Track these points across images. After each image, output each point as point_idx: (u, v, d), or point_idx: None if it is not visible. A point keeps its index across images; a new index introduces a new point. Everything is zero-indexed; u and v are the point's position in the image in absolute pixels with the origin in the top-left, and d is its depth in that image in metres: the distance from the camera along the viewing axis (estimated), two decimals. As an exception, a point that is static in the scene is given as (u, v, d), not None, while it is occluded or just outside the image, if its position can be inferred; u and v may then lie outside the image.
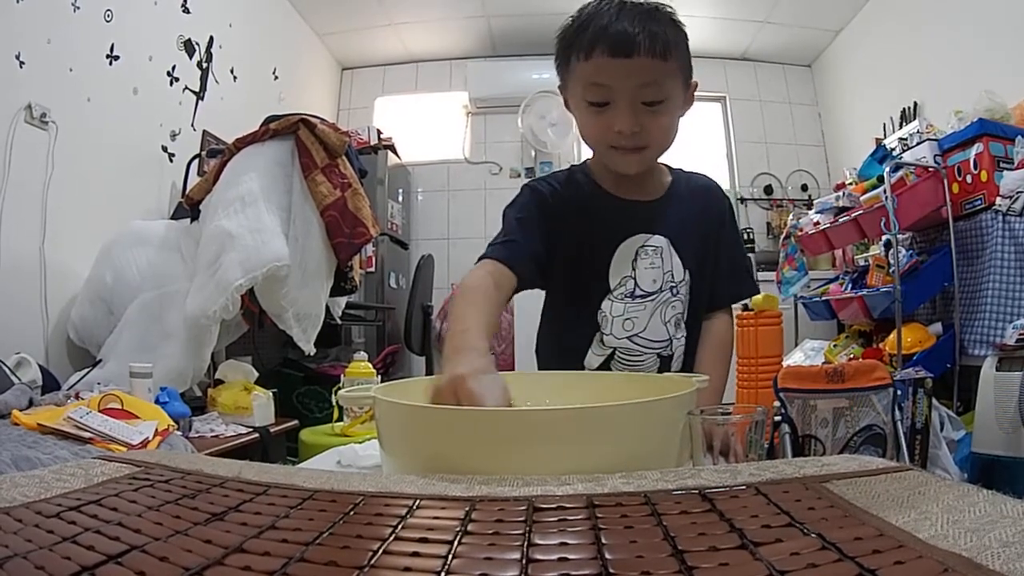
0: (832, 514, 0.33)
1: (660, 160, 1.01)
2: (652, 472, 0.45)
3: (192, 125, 2.79)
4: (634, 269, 0.99)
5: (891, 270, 2.33)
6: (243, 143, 2.04)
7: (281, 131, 2.04)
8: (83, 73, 2.15)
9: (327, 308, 2.17)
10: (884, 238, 2.40)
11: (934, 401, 1.63)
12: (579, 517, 0.35)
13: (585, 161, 1.07)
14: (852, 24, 3.87)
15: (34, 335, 1.93)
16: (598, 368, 1.00)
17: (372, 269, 3.31)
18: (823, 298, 2.91)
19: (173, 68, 2.68)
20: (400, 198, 3.99)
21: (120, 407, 1.38)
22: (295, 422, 2.09)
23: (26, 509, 0.37)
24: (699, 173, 1.11)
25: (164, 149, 2.62)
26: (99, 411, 1.32)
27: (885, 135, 3.37)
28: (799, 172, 4.30)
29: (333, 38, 4.18)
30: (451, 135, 4.42)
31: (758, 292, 1.15)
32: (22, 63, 1.91)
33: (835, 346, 2.82)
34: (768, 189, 4.28)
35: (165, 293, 1.93)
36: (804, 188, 4.27)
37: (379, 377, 2.02)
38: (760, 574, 0.26)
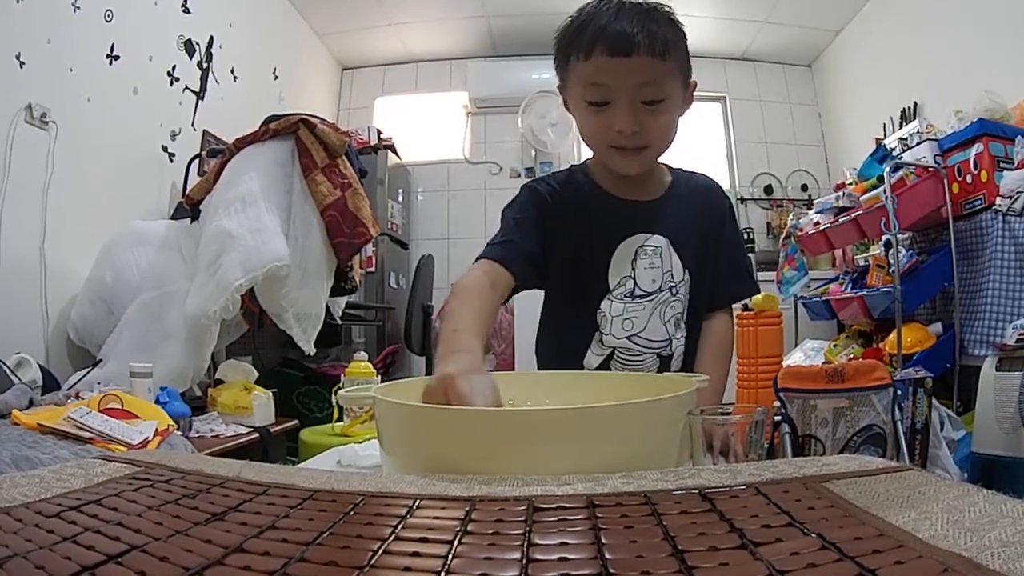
0: (832, 514, 0.33)
1: (660, 160, 1.01)
2: (652, 472, 0.45)
3: (192, 125, 2.79)
4: (633, 269, 0.99)
5: (891, 270, 2.33)
6: (243, 143, 2.04)
7: (281, 131, 2.04)
8: (83, 73, 2.15)
9: (327, 308, 2.17)
10: (884, 238, 2.40)
11: (934, 401, 1.63)
12: (579, 517, 0.35)
13: (585, 161, 1.07)
14: (852, 24, 3.87)
15: (34, 335, 1.93)
16: (597, 368, 1.00)
17: (372, 269, 3.31)
18: (823, 298, 2.91)
19: (173, 68, 2.68)
20: (400, 198, 3.99)
21: (120, 407, 1.38)
22: (295, 422, 2.09)
23: (26, 509, 0.37)
24: (699, 173, 1.11)
25: (164, 149, 2.62)
26: (99, 411, 1.32)
27: (885, 135, 3.37)
28: (799, 172, 4.30)
29: (333, 38, 4.18)
30: (451, 135, 4.42)
31: (759, 292, 1.15)
32: (22, 63, 1.91)
33: (835, 346, 2.82)
34: (768, 189, 4.28)
35: (165, 293, 1.93)
36: (804, 188, 4.27)
37: (379, 377, 2.02)
38: (760, 574, 0.26)
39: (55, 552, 0.29)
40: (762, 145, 4.34)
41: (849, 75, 4.00)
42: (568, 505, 0.37)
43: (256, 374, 2.08)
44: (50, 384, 1.74)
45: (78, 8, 2.12)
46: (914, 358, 2.20)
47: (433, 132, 4.41)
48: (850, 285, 2.84)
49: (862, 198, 2.55)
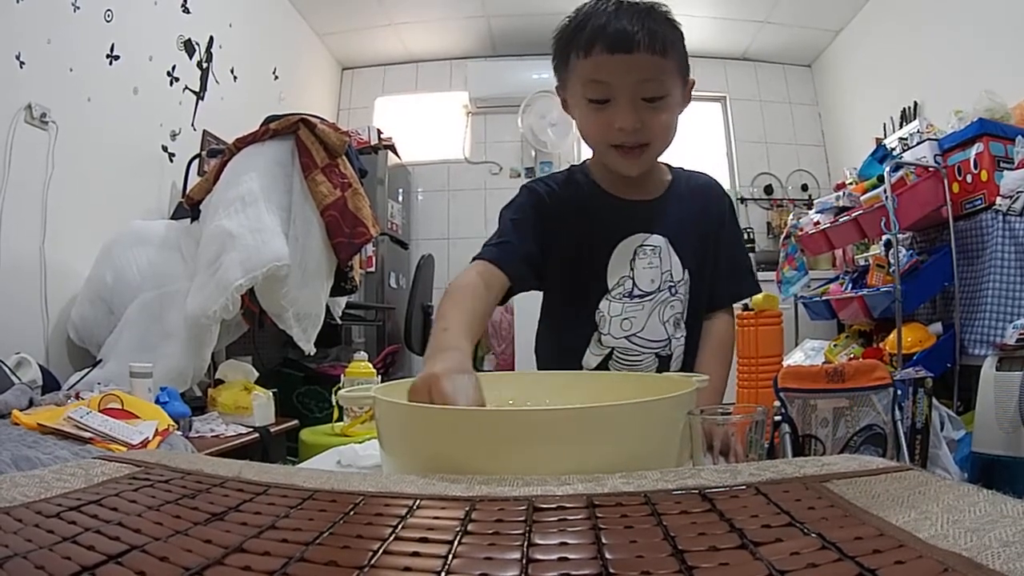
0: (832, 514, 0.33)
1: (660, 159, 1.01)
2: (652, 472, 0.45)
3: (192, 125, 2.79)
4: (632, 269, 0.99)
5: (891, 270, 2.33)
6: (243, 143, 2.04)
7: (281, 131, 2.04)
8: (83, 73, 2.15)
9: (327, 308, 2.17)
10: (884, 238, 2.40)
11: (934, 401, 1.63)
12: (579, 517, 0.35)
13: (585, 161, 1.07)
14: (852, 24, 3.87)
15: (34, 335, 1.93)
16: (596, 368, 1.00)
17: (372, 269, 3.31)
18: (823, 298, 2.91)
19: (173, 68, 2.68)
20: (400, 198, 3.99)
21: (120, 407, 1.38)
22: (295, 422, 2.09)
23: (26, 509, 0.37)
24: (699, 172, 1.11)
25: (164, 149, 2.62)
26: (99, 411, 1.32)
27: (885, 135, 3.37)
28: (799, 172, 4.30)
29: (333, 38, 4.18)
30: (451, 135, 4.42)
31: (759, 291, 1.14)
32: (22, 63, 1.91)
33: (835, 346, 2.82)
34: (768, 189, 4.28)
35: (165, 293, 1.93)
36: (804, 188, 4.27)
37: (379, 377, 2.02)
38: (760, 574, 0.26)
39: (55, 552, 0.29)
40: (762, 145, 4.34)
41: (849, 75, 4.00)
42: (568, 505, 0.37)
43: (256, 374, 2.08)
44: (50, 384, 1.74)
45: (78, 8, 2.12)
46: (914, 358, 2.20)
47: (433, 132, 4.40)
48: (850, 285, 2.84)
49: (862, 198, 2.55)
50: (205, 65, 2.91)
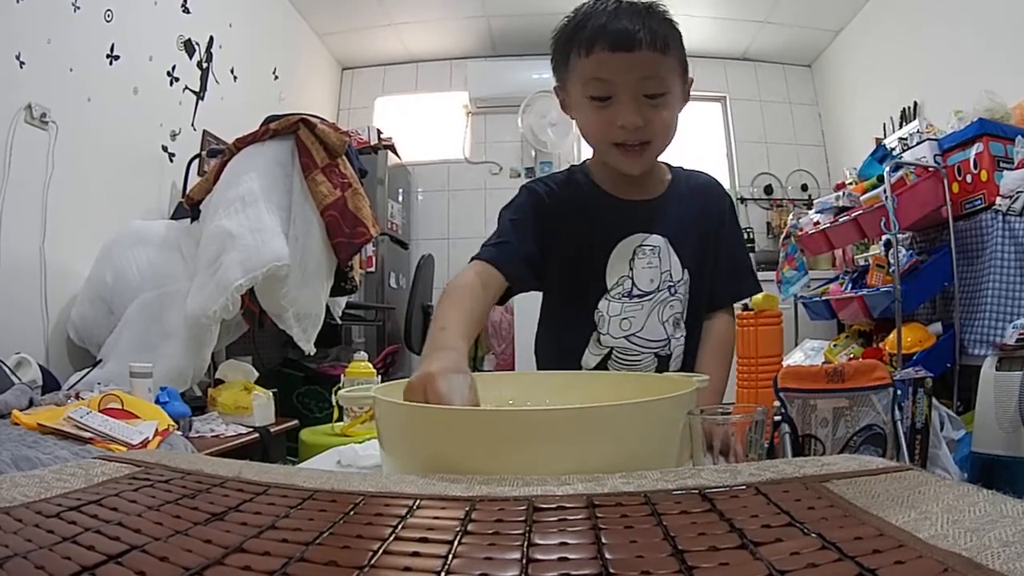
0: (832, 514, 0.33)
1: (660, 159, 1.01)
2: (652, 472, 0.45)
3: (192, 125, 2.79)
4: (631, 268, 0.99)
5: (891, 270, 2.33)
6: (243, 143, 2.04)
7: (281, 131, 2.04)
8: (83, 73, 2.15)
9: (327, 308, 2.17)
10: (884, 238, 2.40)
11: (934, 401, 1.63)
12: (579, 517, 0.35)
13: (585, 161, 1.07)
14: (852, 24, 3.87)
15: (34, 335, 1.93)
16: (595, 368, 1.00)
17: (372, 269, 3.31)
18: (823, 298, 2.91)
19: (173, 68, 2.68)
20: (400, 198, 3.99)
21: (120, 407, 1.38)
22: (295, 422, 2.09)
23: (26, 509, 0.37)
24: (699, 171, 1.11)
25: (164, 149, 2.62)
26: (99, 411, 1.32)
27: (885, 135, 3.37)
28: (799, 172, 4.30)
29: (333, 38, 4.18)
30: (451, 135, 4.42)
31: (760, 291, 1.14)
32: (22, 63, 1.91)
33: (835, 346, 2.82)
34: (768, 189, 4.28)
35: (165, 293, 1.93)
36: (804, 188, 4.27)
37: (379, 377, 2.02)
38: (760, 574, 0.26)
39: (55, 552, 0.29)
40: (762, 145, 4.34)
41: (849, 75, 4.00)
42: (568, 505, 0.37)
43: (256, 374, 2.08)
44: (50, 384, 1.74)
45: (78, 8, 2.12)
46: (914, 358, 2.20)
47: (433, 132, 4.40)
48: (850, 285, 2.84)
49: (862, 198, 2.55)
50: (205, 65, 2.91)
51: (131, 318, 1.89)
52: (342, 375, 1.94)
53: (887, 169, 2.33)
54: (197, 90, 2.85)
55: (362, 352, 2.03)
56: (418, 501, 0.39)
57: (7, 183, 1.85)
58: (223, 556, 0.29)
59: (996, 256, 2.07)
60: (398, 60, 4.46)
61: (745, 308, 2.28)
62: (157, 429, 1.36)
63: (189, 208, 2.08)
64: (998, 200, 2.08)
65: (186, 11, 2.75)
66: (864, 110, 3.79)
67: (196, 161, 2.61)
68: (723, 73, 4.37)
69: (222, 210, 1.88)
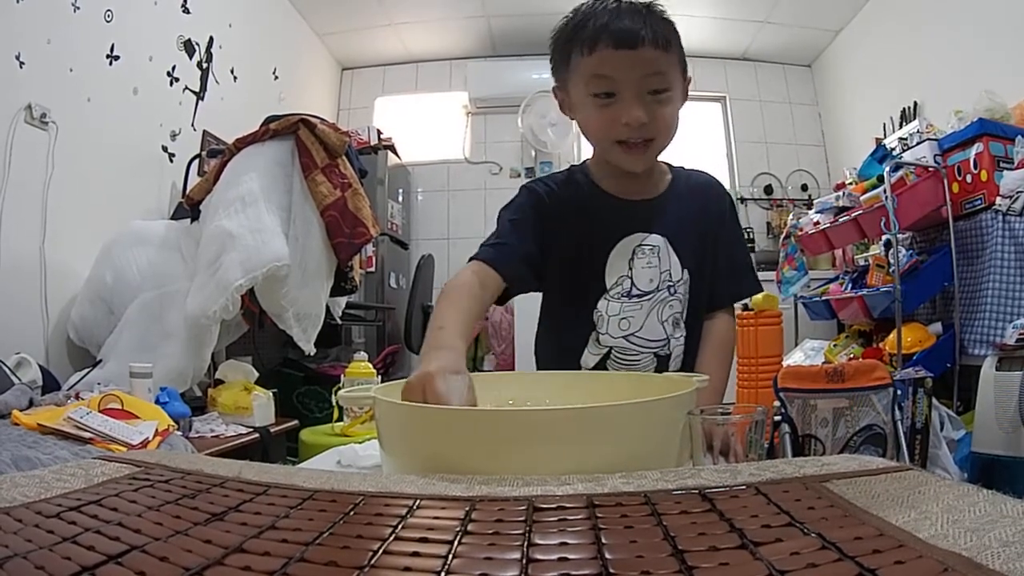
0: (832, 514, 0.33)
1: (661, 158, 1.01)
2: (652, 472, 0.45)
3: (192, 125, 2.79)
4: (631, 268, 0.99)
5: (891, 270, 2.33)
6: (243, 143, 2.04)
7: (281, 131, 2.04)
8: (83, 73, 2.15)
9: (327, 308, 2.17)
10: (884, 238, 2.40)
11: (934, 401, 1.62)
12: (579, 517, 0.35)
13: (584, 161, 1.07)
14: (852, 24, 3.87)
15: (34, 335, 1.93)
16: (594, 367, 1.00)
17: (372, 269, 3.31)
18: (823, 298, 2.91)
19: (173, 68, 2.68)
20: (400, 198, 3.99)
21: (120, 407, 1.38)
22: (295, 422, 2.09)
23: (26, 509, 0.37)
24: (700, 171, 1.11)
25: (164, 149, 2.62)
26: (99, 411, 1.32)
27: (885, 135, 3.37)
28: (799, 172, 4.30)
29: (333, 38, 4.18)
30: (451, 135, 4.42)
31: (760, 290, 1.14)
32: (22, 63, 1.91)
33: (835, 346, 2.82)
34: (768, 189, 4.28)
35: (165, 293, 1.93)
36: (804, 188, 4.27)
37: (379, 377, 2.02)
38: (760, 574, 0.26)
39: (55, 552, 0.29)
40: (762, 145, 4.34)
41: (849, 75, 4.00)
42: (568, 505, 0.37)
43: (256, 374, 2.08)
44: (50, 384, 1.74)
45: (78, 8, 2.12)
46: (914, 358, 2.20)
47: (433, 132, 4.40)
48: (850, 285, 2.84)
49: (862, 198, 2.55)
50: (205, 65, 2.91)
51: (131, 318, 1.89)
52: (342, 375, 1.94)
53: (887, 169, 2.33)
54: (197, 90, 2.85)
55: (362, 352, 2.03)
56: (418, 501, 0.39)
57: (7, 183, 1.85)
58: (223, 556, 0.29)
59: (996, 256, 2.07)
60: (398, 60, 4.46)
61: (745, 308, 2.28)
62: (157, 429, 1.36)
63: (189, 208, 2.08)
64: (998, 200, 2.08)
65: (186, 11, 2.75)
66: (864, 110, 3.79)
67: (196, 161, 2.61)
68: (723, 73, 4.37)
69: (222, 210, 1.88)
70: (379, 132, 3.73)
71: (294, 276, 1.91)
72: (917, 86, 3.26)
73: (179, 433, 1.51)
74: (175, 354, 1.83)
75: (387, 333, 3.46)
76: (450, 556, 0.29)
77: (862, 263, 2.93)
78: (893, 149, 2.75)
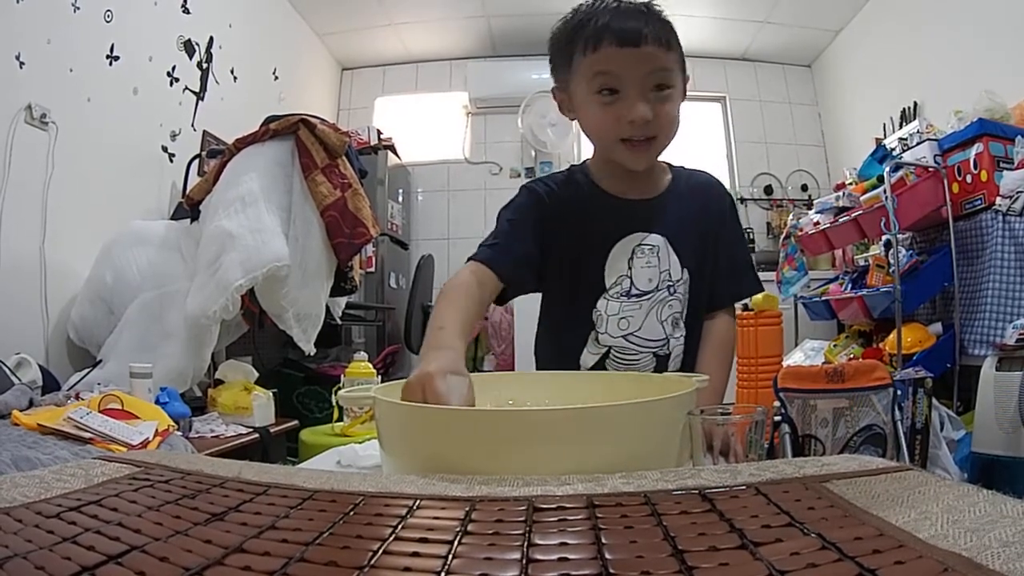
0: (832, 514, 0.33)
1: (661, 158, 1.01)
2: (652, 472, 0.45)
3: (192, 125, 2.79)
4: (630, 268, 0.99)
5: (891, 270, 2.33)
6: (243, 143, 2.04)
7: (281, 131, 2.04)
8: (83, 73, 2.15)
9: (327, 308, 2.17)
10: (884, 238, 2.40)
11: (934, 401, 1.62)
12: (579, 517, 0.35)
13: (584, 161, 1.07)
14: (852, 24, 3.87)
15: (34, 335, 1.93)
16: (593, 367, 1.00)
17: (372, 269, 3.31)
18: (823, 298, 2.91)
19: (173, 68, 2.68)
20: (400, 198, 3.99)
21: (120, 407, 1.38)
22: (295, 422, 2.09)
23: (26, 509, 0.37)
24: (700, 170, 1.11)
25: (164, 149, 2.62)
26: (99, 411, 1.32)
27: (885, 135, 3.37)
28: (799, 172, 4.30)
29: (333, 38, 4.18)
30: (451, 135, 4.42)
31: (761, 290, 1.14)
32: (22, 63, 1.91)
33: (835, 346, 2.82)
34: (768, 189, 4.28)
35: (165, 293, 1.93)
36: (804, 188, 4.27)
37: (379, 377, 2.02)
38: (760, 574, 0.26)
39: (55, 552, 0.29)
40: (762, 145, 4.34)
41: (849, 75, 4.00)
42: (568, 505, 0.37)
43: (256, 374, 2.08)
44: (50, 384, 1.74)
45: (78, 8, 2.12)
46: (914, 358, 2.20)
47: (433, 132, 4.40)
48: (850, 285, 2.84)
49: (862, 198, 2.55)
50: (205, 65, 2.91)
51: (131, 318, 1.89)
52: (342, 375, 1.94)
53: (887, 169, 2.33)
54: (197, 90, 2.85)
55: (362, 352, 2.03)
56: (418, 501, 0.39)
57: (7, 183, 1.85)
58: (223, 556, 0.29)
59: (996, 256, 2.07)
60: (398, 60, 4.46)
61: (745, 308, 2.28)
62: (157, 429, 1.36)
63: (189, 208, 2.08)
64: (998, 200, 2.08)
65: (186, 11, 2.75)
66: (864, 110, 3.79)
67: (196, 161, 2.61)
68: (723, 73, 4.37)
69: (222, 210, 1.88)
70: (379, 132, 3.73)
71: (294, 276, 1.91)
72: (917, 86, 3.26)
73: (179, 433, 1.51)
74: (175, 354, 1.83)
75: (387, 333, 3.46)
76: (450, 556, 0.29)
77: (862, 263, 2.93)
78: (893, 149, 2.75)
